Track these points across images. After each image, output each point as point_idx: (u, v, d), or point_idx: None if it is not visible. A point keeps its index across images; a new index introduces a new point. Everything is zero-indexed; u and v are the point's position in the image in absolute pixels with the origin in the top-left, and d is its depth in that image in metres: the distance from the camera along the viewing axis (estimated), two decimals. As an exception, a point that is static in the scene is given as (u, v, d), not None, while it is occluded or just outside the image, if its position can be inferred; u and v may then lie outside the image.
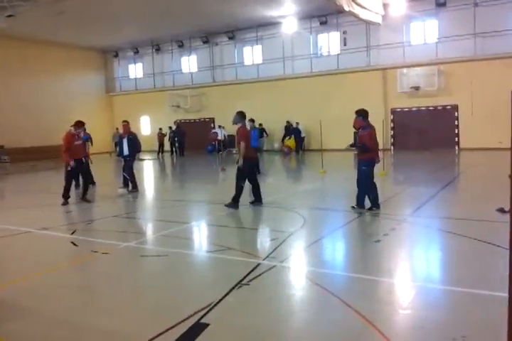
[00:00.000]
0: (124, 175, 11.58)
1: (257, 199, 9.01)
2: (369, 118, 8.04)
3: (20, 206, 10.37)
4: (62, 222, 8.11)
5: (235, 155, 11.72)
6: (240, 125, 8.85)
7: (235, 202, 8.68)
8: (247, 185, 8.91)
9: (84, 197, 10.19)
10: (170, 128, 27.79)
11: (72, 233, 7.16)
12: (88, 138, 12.58)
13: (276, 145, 26.69)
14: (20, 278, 5.10)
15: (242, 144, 8.54)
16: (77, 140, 10.14)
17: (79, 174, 10.47)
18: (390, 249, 5.80)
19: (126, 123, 11.67)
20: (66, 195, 9.96)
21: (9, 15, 19.00)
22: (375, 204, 7.95)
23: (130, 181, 11.39)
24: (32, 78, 27.57)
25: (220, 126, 26.11)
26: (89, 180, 10.67)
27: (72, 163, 9.79)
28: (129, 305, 4.24)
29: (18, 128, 25.70)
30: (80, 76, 31.21)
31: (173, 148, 27.04)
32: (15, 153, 25.37)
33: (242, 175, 8.73)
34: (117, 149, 12.46)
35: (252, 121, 14.93)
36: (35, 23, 22.34)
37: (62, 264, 5.66)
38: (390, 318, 3.78)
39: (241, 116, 8.95)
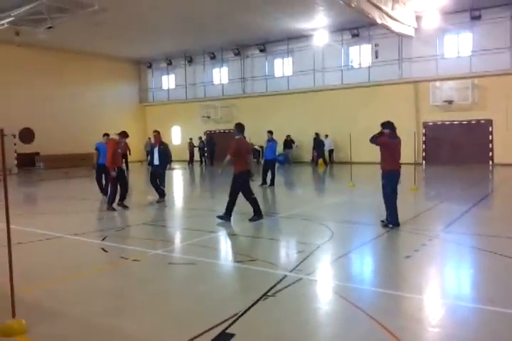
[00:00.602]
0: (154, 185, 11.72)
1: (258, 214, 8.68)
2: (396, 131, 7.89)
3: (53, 212, 10.66)
4: (92, 228, 8.29)
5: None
6: (238, 137, 8.70)
7: (227, 214, 8.48)
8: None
9: (122, 203, 10.47)
10: (200, 138, 28.26)
11: (103, 239, 7.31)
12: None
13: (301, 157, 26.66)
14: (51, 281, 5.23)
15: (228, 157, 8.49)
16: (119, 148, 10.57)
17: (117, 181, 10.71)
18: (420, 265, 5.68)
19: (156, 133, 11.88)
20: (112, 201, 10.30)
21: (49, 27, 19.75)
22: (392, 221, 7.73)
23: (157, 190, 11.53)
24: (67, 88, 28.48)
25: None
26: (126, 188, 10.93)
27: (113, 172, 10.17)
28: (157, 312, 4.29)
29: (52, 136, 26.49)
30: (114, 86, 32.04)
31: (203, 158, 27.50)
32: (49, 160, 26.14)
33: (235, 190, 8.53)
34: (149, 158, 12.72)
35: (270, 132, 14.91)
36: (72, 34, 23.16)
37: (92, 269, 5.77)
38: (419, 335, 3.70)
39: (238, 128, 8.80)
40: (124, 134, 10.81)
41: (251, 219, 8.57)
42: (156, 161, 11.49)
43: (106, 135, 12.65)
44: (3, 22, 19.26)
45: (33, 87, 26.57)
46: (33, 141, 25.99)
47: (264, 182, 14.48)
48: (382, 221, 7.91)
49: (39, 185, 18.67)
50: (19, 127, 25.14)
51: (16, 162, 24.73)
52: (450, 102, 21.74)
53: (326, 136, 24.40)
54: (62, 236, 7.67)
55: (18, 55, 25.14)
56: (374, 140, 7.79)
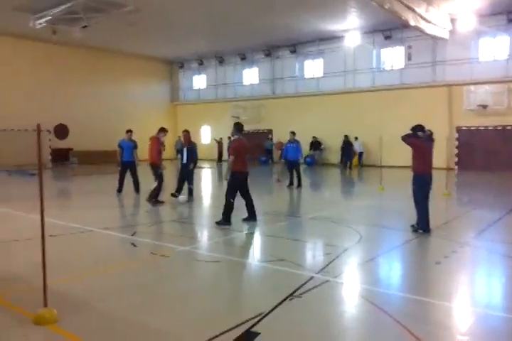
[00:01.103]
0: (180, 183, 11.84)
1: (251, 216, 8.52)
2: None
3: (85, 206, 10.91)
4: (123, 223, 8.45)
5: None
6: (236, 137, 8.59)
7: (226, 219, 8.18)
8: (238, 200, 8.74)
9: (157, 199, 10.84)
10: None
11: (133, 234, 7.44)
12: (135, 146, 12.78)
13: (330, 158, 26.48)
14: (82, 274, 5.36)
15: (231, 158, 8.30)
16: (162, 145, 11.10)
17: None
18: (450, 272, 5.57)
19: (186, 133, 12.01)
20: (157, 195, 10.81)
21: (84, 26, 20.23)
22: (423, 227, 7.58)
23: (179, 188, 11.69)
24: (101, 86, 29.10)
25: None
26: (161, 184, 11.19)
27: (160, 169, 10.79)
28: (184, 308, 4.34)
29: (85, 132, 27.09)
30: (146, 85, 32.54)
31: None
32: (82, 156, 26.75)
33: (231, 190, 8.35)
34: (179, 157, 12.88)
35: (293, 133, 14.78)
36: (107, 33, 23.65)
37: (121, 263, 5.88)
38: (448, 343, 3.64)
39: (237, 128, 8.63)
40: (164, 130, 11.28)
41: (217, 222, 8.21)
42: (185, 160, 11.64)
43: (129, 131, 12.84)
44: (41, 21, 19.83)
45: (68, 85, 27.25)
46: (67, 136, 26.68)
47: (291, 183, 14.46)
48: (413, 225, 7.78)
49: (72, 179, 19.13)
50: (54, 123, 25.85)
51: (50, 157, 25.44)
52: (485, 107, 21.19)
53: (356, 138, 24.21)
54: (93, 230, 7.84)
55: (54, 53, 25.86)
56: (405, 138, 7.68)
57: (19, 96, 25.00)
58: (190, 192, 11.70)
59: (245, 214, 8.59)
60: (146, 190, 11.52)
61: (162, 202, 10.87)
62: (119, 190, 12.64)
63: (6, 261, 5.97)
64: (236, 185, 8.36)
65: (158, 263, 5.94)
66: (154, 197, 10.82)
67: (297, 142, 14.62)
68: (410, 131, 7.71)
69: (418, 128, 7.69)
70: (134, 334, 3.73)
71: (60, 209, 10.34)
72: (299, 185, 14.33)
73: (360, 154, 24.50)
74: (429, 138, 7.75)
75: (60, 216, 8.90)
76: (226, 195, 8.32)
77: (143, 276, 5.36)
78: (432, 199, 7.83)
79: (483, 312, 4.26)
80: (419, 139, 7.61)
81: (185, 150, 11.69)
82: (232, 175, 8.27)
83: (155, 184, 10.87)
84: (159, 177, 10.98)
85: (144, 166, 12.00)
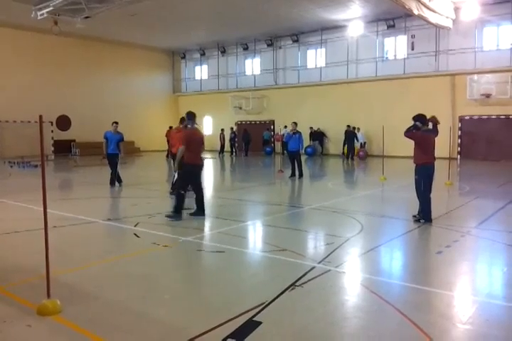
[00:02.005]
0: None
1: (199, 210, 8.19)
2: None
3: (88, 197, 10.95)
4: (126, 214, 8.48)
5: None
6: (189, 127, 8.22)
7: (176, 212, 7.92)
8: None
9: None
10: (231, 129, 28.45)
11: (136, 225, 7.47)
12: (121, 139, 12.65)
13: (332, 148, 26.45)
14: (85, 264, 5.39)
15: (180, 148, 7.95)
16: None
17: None
18: (451, 261, 5.59)
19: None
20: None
21: (86, 17, 20.10)
22: (425, 217, 7.60)
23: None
24: (103, 76, 29.02)
25: (286, 127, 25.94)
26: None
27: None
28: (186, 298, 4.37)
29: (88, 123, 27.06)
30: (148, 76, 32.44)
31: (233, 149, 27.81)
32: (84, 147, 26.77)
33: (181, 182, 8.09)
34: None
35: (295, 123, 14.69)
36: (109, 24, 23.51)
37: (125, 254, 5.92)
38: (448, 332, 3.65)
39: (188, 116, 8.24)
40: (181, 120, 11.12)
41: (167, 216, 7.98)
42: None
43: (115, 123, 12.76)
44: (43, 12, 19.68)
45: (70, 76, 27.19)
46: (70, 128, 26.68)
47: (293, 173, 14.47)
48: (415, 216, 7.79)
49: (75, 171, 19.17)
50: (56, 115, 25.84)
51: (52, 148, 25.49)
52: (488, 96, 21.09)
53: (358, 129, 24.10)
54: (96, 221, 7.88)
55: (57, 44, 25.73)
56: (405, 133, 7.64)
57: (21, 88, 24.97)
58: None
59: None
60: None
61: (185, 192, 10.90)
62: (112, 182, 12.45)
63: (9, 252, 6.02)
64: (186, 178, 8.04)
65: (161, 254, 5.98)
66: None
67: (299, 133, 14.57)
68: (412, 123, 7.68)
69: (417, 117, 7.65)
70: (137, 324, 3.76)
71: (62, 200, 10.39)
72: (301, 175, 14.35)
73: (363, 144, 24.43)
74: (433, 128, 7.71)
75: (62, 207, 8.94)
76: (177, 188, 8.10)
77: (146, 267, 5.39)
78: (434, 188, 7.83)
79: (484, 301, 4.28)
80: (419, 130, 7.55)
81: None
82: (184, 168, 7.97)
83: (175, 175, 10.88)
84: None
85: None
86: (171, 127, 12.81)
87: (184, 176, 8.06)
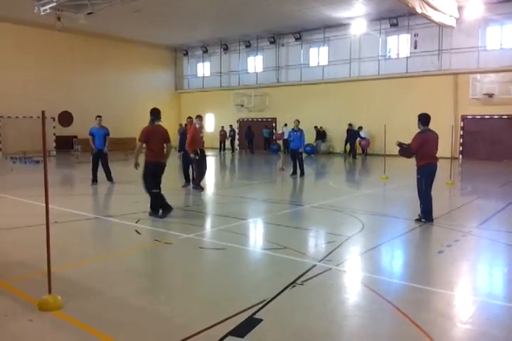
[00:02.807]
0: (186, 171, 11.88)
1: (153, 211, 7.95)
2: (430, 124, 7.70)
3: (89, 193, 10.97)
4: (127, 210, 8.48)
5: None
6: (155, 123, 8.02)
7: (154, 211, 7.86)
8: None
9: (198, 184, 11.26)
10: (230, 126, 28.53)
11: (137, 222, 7.49)
12: (107, 133, 12.50)
13: (333, 147, 26.45)
14: (86, 260, 5.41)
15: (137, 145, 7.86)
16: (201, 132, 11.16)
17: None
18: (452, 261, 5.59)
19: (191, 120, 11.95)
20: (199, 181, 11.21)
21: (89, 13, 20.07)
22: (426, 216, 7.60)
23: (187, 176, 11.73)
24: (105, 73, 28.98)
25: (286, 125, 25.99)
26: (198, 170, 11.35)
27: (192, 155, 10.89)
28: (187, 294, 4.39)
29: (90, 120, 26.74)
30: (151, 73, 32.39)
31: (233, 146, 28.00)
32: (86, 144, 26.66)
33: (145, 181, 7.88)
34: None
35: (297, 121, 14.67)
36: (112, 20, 23.47)
37: (126, 250, 5.93)
38: (448, 331, 3.66)
39: (152, 113, 8.11)
40: (201, 117, 11.41)
41: (150, 214, 7.88)
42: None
43: (98, 117, 12.63)
44: (45, 7, 19.64)
45: (72, 72, 27.15)
46: (71, 124, 26.67)
47: (294, 172, 14.47)
48: (419, 215, 7.75)
49: (77, 167, 19.18)
50: (58, 110, 25.83)
51: (54, 144, 25.49)
52: (491, 95, 21.01)
53: (361, 127, 24.04)
54: (97, 217, 7.90)
55: (59, 40, 25.69)
56: (407, 148, 7.58)
57: (24, 84, 24.95)
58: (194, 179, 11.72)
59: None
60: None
61: (202, 189, 11.18)
62: (94, 180, 12.16)
63: (11, 247, 6.03)
64: (148, 176, 7.85)
65: (162, 251, 5.99)
66: (197, 182, 11.20)
67: (301, 131, 14.54)
68: (417, 120, 7.64)
69: (419, 116, 7.64)
70: (138, 320, 3.78)
71: (64, 196, 10.40)
72: (302, 173, 14.35)
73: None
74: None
75: (64, 203, 8.96)
76: (145, 188, 7.95)
77: (147, 263, 5.41)
78: (435, 188, 7.83)
79: (485, 301, 4.28)
80: (418, 133, 7.53)
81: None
82: (145, 165, 7.84)
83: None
84: (194, 163, 11.18)
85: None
86: (99, 116, 12.68)
87: (146, 174, 7.84)
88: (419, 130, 7.66)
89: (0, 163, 20.62)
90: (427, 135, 7.55)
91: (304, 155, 24.48)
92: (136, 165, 7.86)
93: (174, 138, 29.78)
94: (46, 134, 4.04)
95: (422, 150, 7.47)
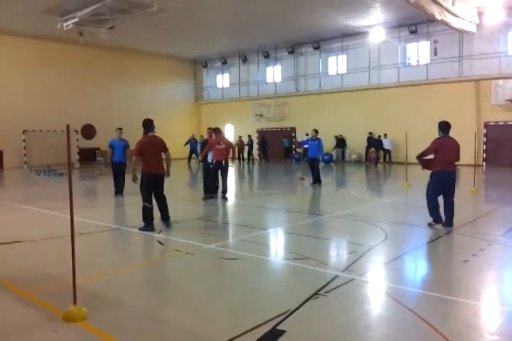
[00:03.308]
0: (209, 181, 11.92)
1: (163, 218, 7.98)
2: (452, 131, 7.68)
3: (112, 204, 11.12)
4: (148, 222, 8.54)
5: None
6: (150, 134, 7.93)
7: (146, 224, 7.69)
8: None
9: (224, 196, 11.47)
10: (249, 136, 28.80)
11: (159, 232, 7.54)
12: (127, 146, 12.49)
13: (354, 156, 26.30)
14: (110, 271, 5.46)
15: (168, 154, 7.88)
16: (218, 144, 11.26)
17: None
18: (478, 270, 5.48)
19: (210, 131, 12.05)
20: (212, 191, 11.46)
21: (110, 27, 20.56)
22: (435, 219, 7.69)
23: (206, 186, 11.79)
24: (126, 86, 29.52)
25: (307, 134, 25.95)
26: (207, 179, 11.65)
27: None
28: (208, 305, 4.38)
29: (112, 132, 27.25)
30: (171, 85, 32.86)
31: (250, 156, 28.22)
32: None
33: (142, 193, 7.76)
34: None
35: (316, 131, 14.64)
36: (132, 34, 23.98)
37: (149, 261, 5.98)
38: (476, 343, 3.58)
39: (144, 124, 7.98)
40: (219, 130, 11.69)
41: (140, 229, 7.70)
42: (209, 159, 11.70)
43: (119, 129, 12.67)
44: (68, 23, 20.22)
45: (94, 85, 27.73)
46: (94, 136, 27.14)
47: (314, 181, 14.44)
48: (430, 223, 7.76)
49: (100, 179, 19.46)
50: (81, 123, 26.34)
51: (78, 157, 25.97)
52: (514, 101, 20.68)
53: (385, 135, 23.82)
54: (120, 228, 7.98)
55: (80, 54, 26.27)
56: (425, 162, 7.77)
57: (47, 98, 25.59)
58: (217, 190, 11.78)
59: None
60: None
61: (210, 197, 11.39)
62: (118, 191, 12.11)
63: (36, 259, 6.14)
64: (145, 188, 7.75)
65: (184, 261, 6.01)
66: (209, 193, 11.46)
67: (319, 140, 14.48)
68: (438, 128, 7.69)
69: (440, 124, 7.69)
70: (161, 331, 3.79)
71: (87, 207, 10.56)
72: (317, 182, 14.31)
73: (387, 151, 24.22)
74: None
75: (88, 215, 9.09)
76: (142, 199, 7.82)
77: (169, 274, 5.44)
78: (459, 196, 7.71)
79: (512, 311, 4.18)
80: (435, 139, 7.62)
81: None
82: (141, 177, 7.77)
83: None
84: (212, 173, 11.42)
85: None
86: (120, 129, 12.78)
87: (143, 186, 7.75)
88: None
89: (25, 175, 21.08)
90: (444, 140, 7.57)
91: (323, 164, 24.50)
92: (135, 178, 7.88)
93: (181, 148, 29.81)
94: (70, 147, 4.12)
95: (437, 155, 7.50)
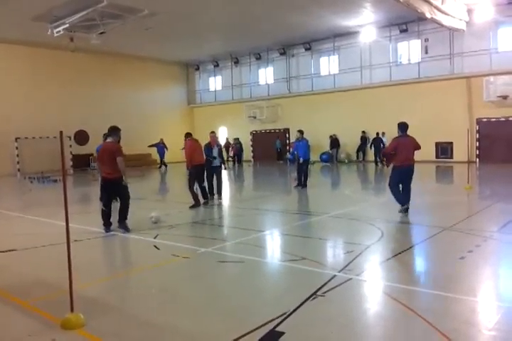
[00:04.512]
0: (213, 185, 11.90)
1: (118, 219, 8.17)
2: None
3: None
4: (145, 226, 8.54)
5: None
6: (114, 139, 8.35)
7: (103, 224, 8.11)
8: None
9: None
10: (236, 139, 28.84)
11: (155, 237, 7.53)
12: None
13: (343, 155, 26.33)
14: (107, 277, 5.45)
15: (119, 159, 8.02)
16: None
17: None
18: (474, 267, 5.50)
19: (213, 134, 12.05)
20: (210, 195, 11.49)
21: (101, 33, 20.51)
22: (402, 203, 8.82)
23: (220, 190, 11.77)
24: (119, 90, 29.46)
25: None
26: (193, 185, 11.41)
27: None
28: (207, 309, 4.38)
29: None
30: (164, 88, 32.81)
31: (236, 158, 28.69)
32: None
33: (101, 198, 8.31)
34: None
35: (301, 132, 14.29)
36: (123, 39, 23.92)
37: (146, 266, 5.96)
38: (474, 339, 3.60)
39: (111, 130, 8.43)
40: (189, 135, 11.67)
41: (119, 227, 8.13)
42: (217, 162, 11.70)
43: (106, 134, 12.78)
44: (59, 29, 20.14)
45: (86, 91, 27.63)
46: (88, 142, 27.04)
47: (299, 183, 14.09)
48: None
49: (93, 184, 19.37)
50: (74, 129, 26.25)
51: (71, 163, 25.86)
52: (505, 97, 20.78)
53: (383, 133, 23.65)
54: (115, 234, 7.95)
55: (72, 60, 26.21)
56: (387, 156, 9.30)
57: (39, 104, 25.47)
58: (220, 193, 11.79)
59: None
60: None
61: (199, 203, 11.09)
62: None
63: (33, 266, 6.11)
64: (101, 191, 8.57)
65: (181, 265, 6.00)
66: (206, 198, 11.34)
67: (305, 140, 14.25)
68: (398, 129, 8.96)
69: (398, 124, 8.99)
70: (160, 336, 3.78)
71: (81, 213, 10.52)
72: (301, 183, 13.96)
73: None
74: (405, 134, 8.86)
75: (82, 221, 9.05)
76: (125, 200, 8.31)
77: (167, 278, 5.42)
78: (453, 193, 7.77)
79: (510, 306, 4.20)
80: (393, 138, 8.94)
81: (215, 151, 11.67)
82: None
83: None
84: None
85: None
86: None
87: (100, 191, 8.43)
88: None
89: (18, 183, 20.97)
90: (401, 139, 8.70)
91: (320, 164, 24.55)
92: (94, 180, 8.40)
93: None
94: (64, 153, 4.10)
95: (396, 153, 8.63)
